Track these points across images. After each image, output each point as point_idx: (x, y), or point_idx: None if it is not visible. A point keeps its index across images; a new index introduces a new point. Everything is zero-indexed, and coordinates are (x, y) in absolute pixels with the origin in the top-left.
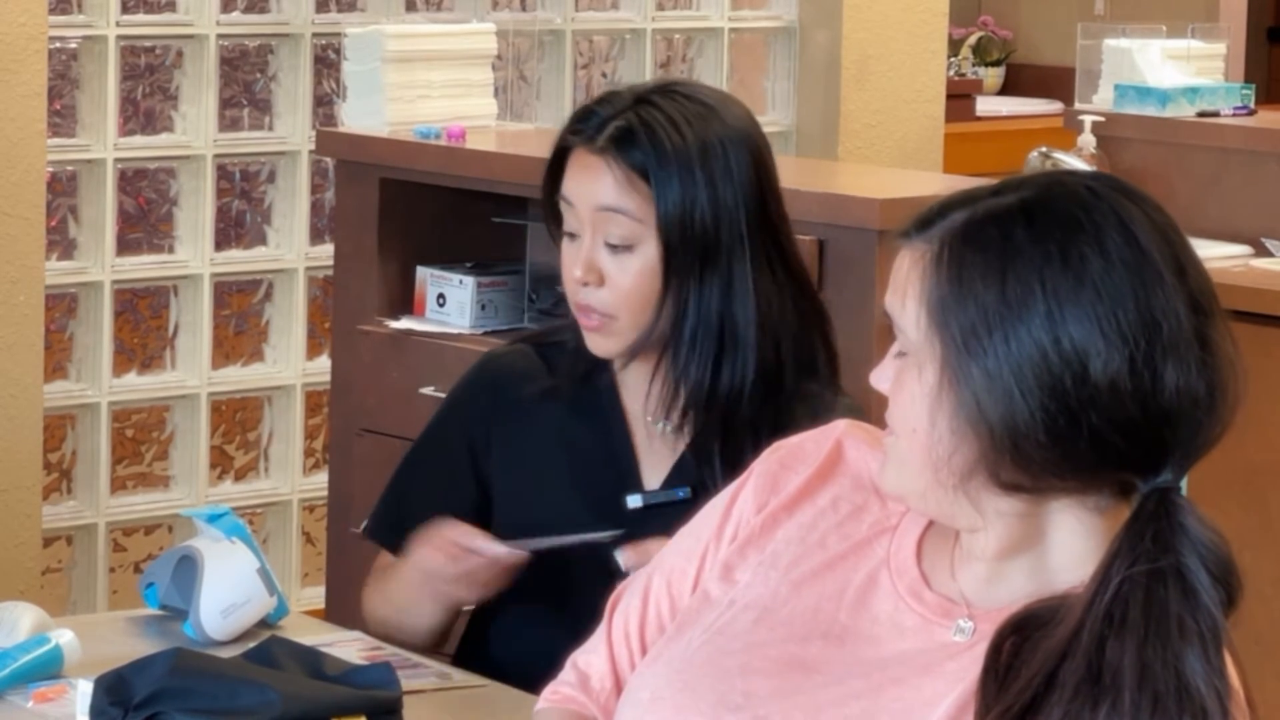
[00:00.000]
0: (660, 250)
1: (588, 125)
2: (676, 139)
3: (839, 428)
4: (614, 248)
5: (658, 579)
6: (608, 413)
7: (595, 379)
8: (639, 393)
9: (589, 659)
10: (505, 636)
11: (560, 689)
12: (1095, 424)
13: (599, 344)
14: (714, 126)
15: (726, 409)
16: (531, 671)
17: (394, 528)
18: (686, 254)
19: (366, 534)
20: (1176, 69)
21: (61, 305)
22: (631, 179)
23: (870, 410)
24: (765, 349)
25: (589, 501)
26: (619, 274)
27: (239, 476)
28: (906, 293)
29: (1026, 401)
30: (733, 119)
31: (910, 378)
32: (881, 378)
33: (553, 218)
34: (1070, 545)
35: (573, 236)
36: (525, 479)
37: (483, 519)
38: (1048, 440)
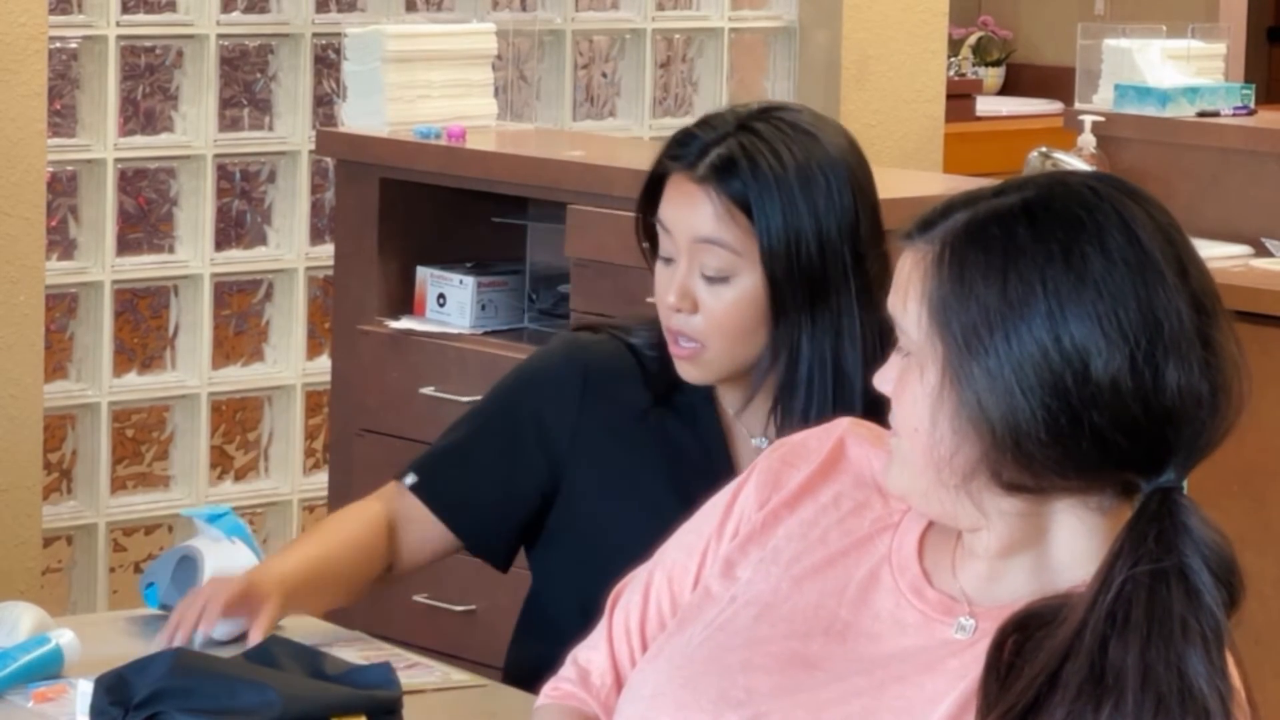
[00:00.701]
0: (764, 283)
1: (687, 151)
2: (778, 169)
3: (841, 425)
4: (710, 278)
5: (659, 575)
6: (705, 419)
7: (691, 385)
8: (735, 402)
9: (589, 655)
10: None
11: (560, 685)
12: (1097, 423)
13: (687, 371)
14: (816, 154)
15: None
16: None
17: (438, 484)
18: (793, 288)
19: (413, 488)
20: (1176, 69)
21: (61, 305)
22: (732, 211)
23: None
24: (869, 386)
25: (691, 504)
26: (713, 303)
27: (239, 476)
28: (908, 293)
29: (1028, 400)
30: (835, 148)
31: (912, 378)
32: (884, 379)
33: (646, 237)
34: (1073, 544)
35: (668, 260)
36: (615, 473)
37: (547, 502)
38: (1049, 439)
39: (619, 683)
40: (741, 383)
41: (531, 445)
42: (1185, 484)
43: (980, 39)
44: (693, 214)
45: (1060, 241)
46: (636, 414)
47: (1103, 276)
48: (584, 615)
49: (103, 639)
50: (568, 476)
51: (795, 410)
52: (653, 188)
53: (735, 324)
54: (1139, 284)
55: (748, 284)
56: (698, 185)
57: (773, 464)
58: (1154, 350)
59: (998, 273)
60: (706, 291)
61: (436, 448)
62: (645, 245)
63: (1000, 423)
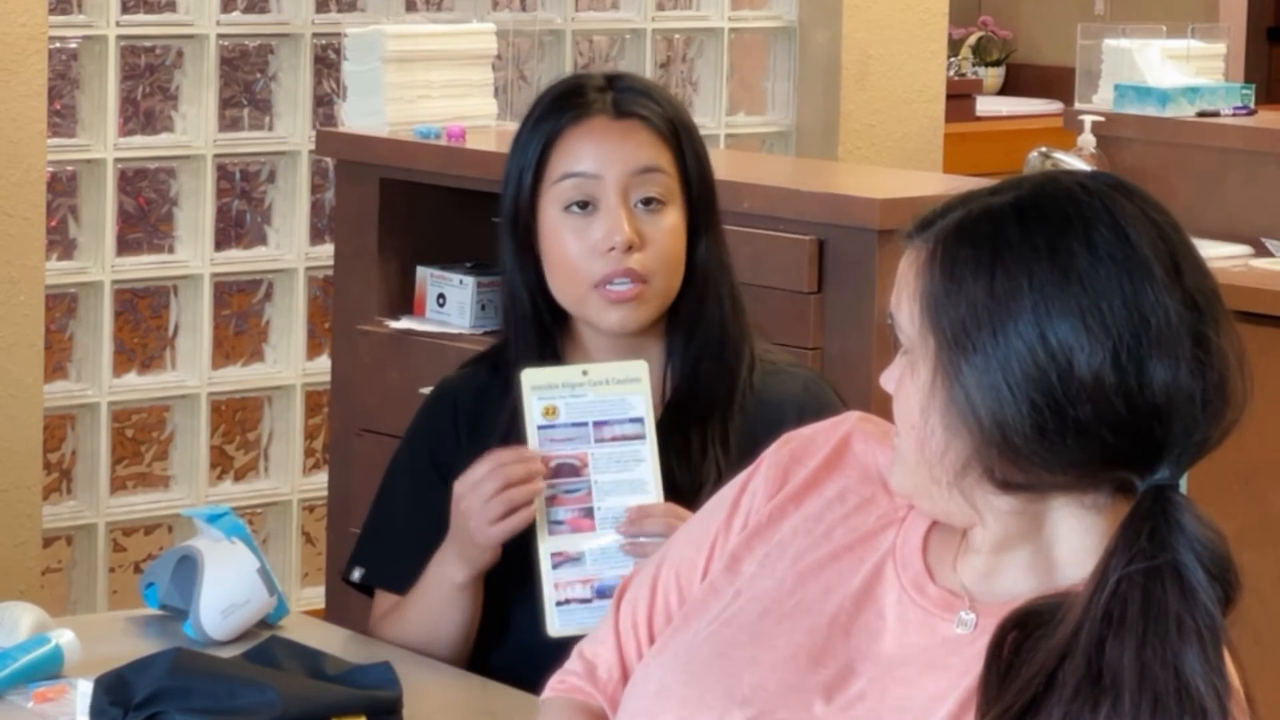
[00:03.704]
0: (687, 206)
1: (584, 100)
2: (671, 98)
3: (849, 420)
4: (650, 207)
5: (666, 569)
6: None
7: None
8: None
9: (596, 649)
10: (500, 639)
11: (567, 678)
12: (1081, 419)
13: (633, 315)
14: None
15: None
16: (527, 674)
17: (393, 568)
18: (703, 214)
19: (364, 581)
20: (1176, 69)
21: (61, 305)
22: (661, 136)
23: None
24: (740, 315)
25: None
26: (657, 232)
27: (239, 476)
28: (903, 291)
29: (1014, 396)
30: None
31: (908, 376)
32: (889, 379)
33: (530, 206)
34: (1071, 542)
35: (586, 209)
36: None
37: None
38: (1034, 434)
39: (626, 677)
40: (629, 344)
41: (441, 488)
42: (1185, 482)
43: (980, 39)
44: (625, 147)
45: (1047, 238)
46: (504, 427)
47: (1087, 272)
48: (503, 624)
49: (103, 639)
50: None
51: (697, 343)
52: (538, 160)
53: (676, 250)
54: (1125, 280)
55: (677, 209)
56: (621, 120)
57: (781, 459)
58: (1138, 346)
59: (986, 270)
60: (647, 223)
61: (364, 534)
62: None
63: (988, 419)
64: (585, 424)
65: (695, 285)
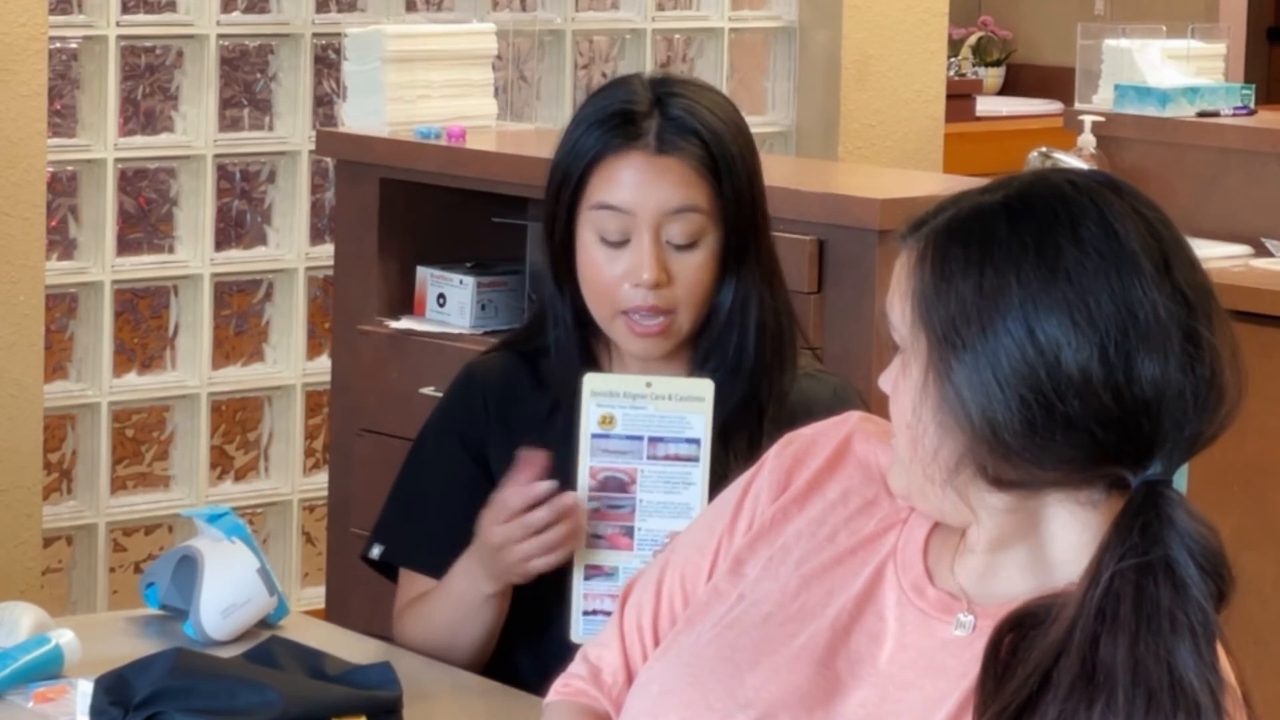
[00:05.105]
0: (721, 240)
1: (627, 129)
2: (720, 124)
3: (850, 421)
4: (680, 246)
5: (670, 573)
6: None
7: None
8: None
9: (600, 652)
10: (528, 646)
11: (571, 681)
12: (1070, 414)
13: (657, 346)
14: (730, 107)
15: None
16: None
17: (417, 547)
18: (742, 240)
19: (383, 558)
20: (1176, 69)
21: (61, 305)
22: (700, 173)
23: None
24: (787, 330)
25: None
26: (685, 270)
27: (239, 476)
28: (896, 291)
29: (1004, 393)
30: (731, 101)
31: (902, 376)
32: (886, 380)
33: (567, 225)
34: (1067, 540)
35: (616, 244)
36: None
37: None
38: (1024, 431)
39: (630, 680)
40: (663, 358)
41: (471, 467)
42: (1185, 479)
43: (980, 39)
44: (661, 187)
45: (1035, 235)
46: (539, 422)
47: (1074, 267)
48: (531, 632)
49: (103, 639)
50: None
51: (729, 357)
52: (579, 178)
53: (704, 285)
54: (1112, 275)
55: (711, 243)
56: (657, 158)
57: (784, 460)
58: (1126, 341)
59: (975, 268)
60: (677, 260)
61: (386, 513)
62: (555, 240)
63: (979, 416)
64: (640, 438)
65: (717, 319)
